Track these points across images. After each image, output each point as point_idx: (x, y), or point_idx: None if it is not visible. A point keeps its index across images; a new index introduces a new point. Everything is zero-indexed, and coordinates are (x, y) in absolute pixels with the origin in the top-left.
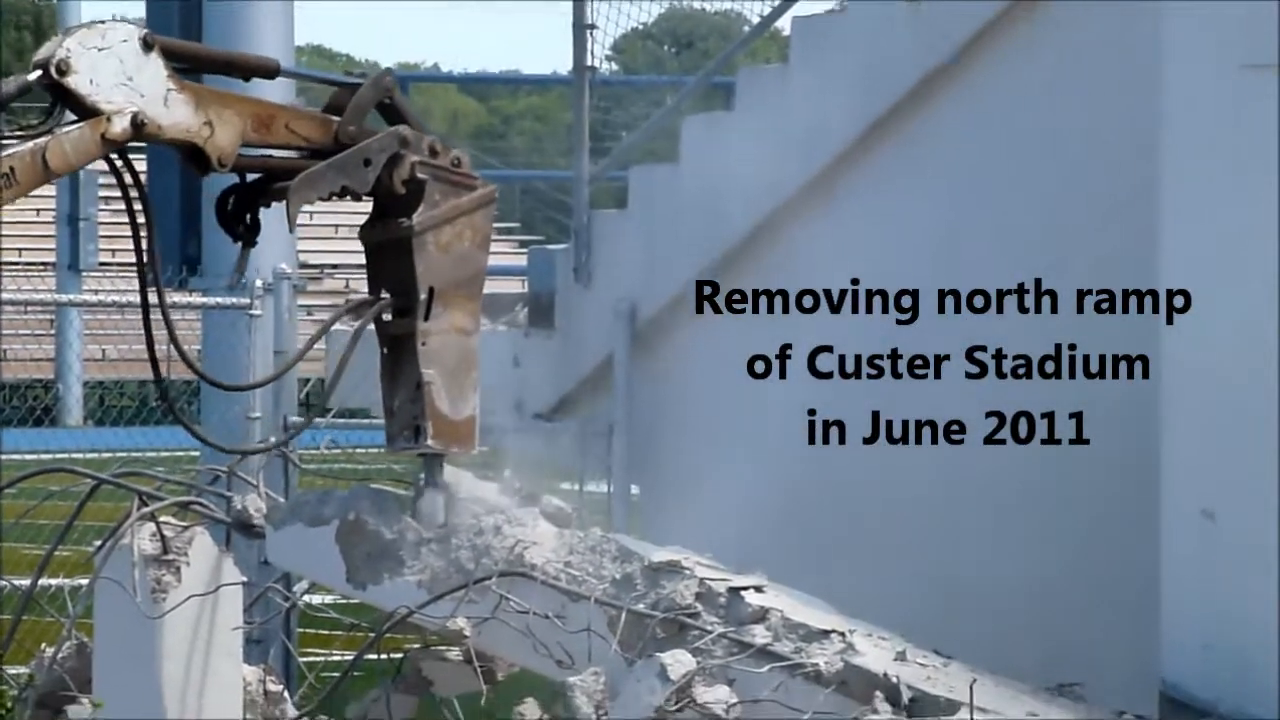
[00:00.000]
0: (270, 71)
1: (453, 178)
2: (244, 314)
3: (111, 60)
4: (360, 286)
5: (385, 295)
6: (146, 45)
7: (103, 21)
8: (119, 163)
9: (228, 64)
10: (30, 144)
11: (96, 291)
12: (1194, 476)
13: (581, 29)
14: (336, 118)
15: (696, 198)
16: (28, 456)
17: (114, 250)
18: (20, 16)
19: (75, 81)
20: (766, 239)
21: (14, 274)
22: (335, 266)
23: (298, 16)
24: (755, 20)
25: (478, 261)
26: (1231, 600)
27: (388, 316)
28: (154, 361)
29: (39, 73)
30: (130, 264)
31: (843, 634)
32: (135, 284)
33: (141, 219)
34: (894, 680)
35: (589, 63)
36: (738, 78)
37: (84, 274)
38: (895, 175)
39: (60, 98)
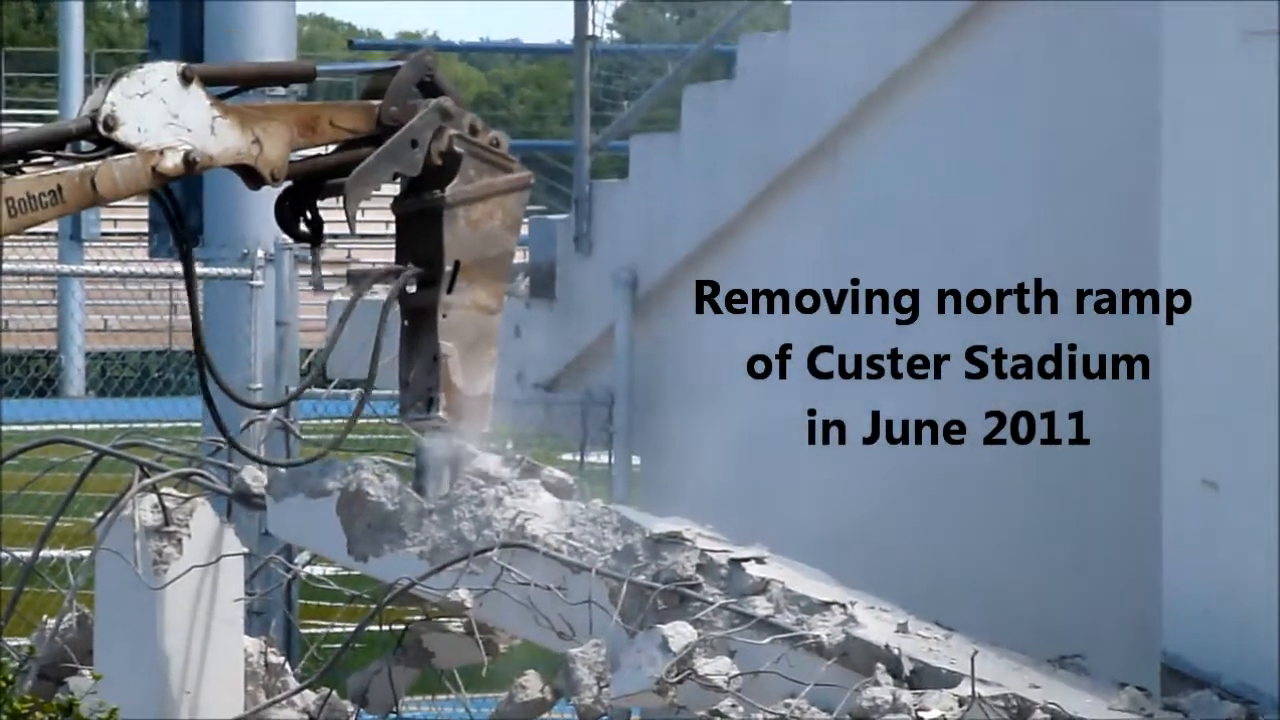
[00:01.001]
0: (308, 76)
1: (489, 156)
2: (245, 284)
3: (154, 103)
4: (362, 257)
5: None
6: (185, 79)
7: (140, 66)
8: (166, 200)
9: (265, 77)
10: (81, 165)
11: (99, 262)
12: (1195, 447)
13: None
14: (377, 102)
15: (697, 167)
16: (29, 427)
17: (116, 220)
18: None
19: (125, 133)
20: (766, 208)
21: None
22: (337, 237)
23: None
24: None
25: (506, 243)
26: (1232, 572)
27: (412, 288)
28: (198, 338)
29: (87, 124)
30: (131, 233)
31: (844, 606)
32: (136, 255)
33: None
34: (895, 652)
35: (590, 32)
36: (739, 46)
37: (86, 244)
38: (896, 143)
39: (110, 146)
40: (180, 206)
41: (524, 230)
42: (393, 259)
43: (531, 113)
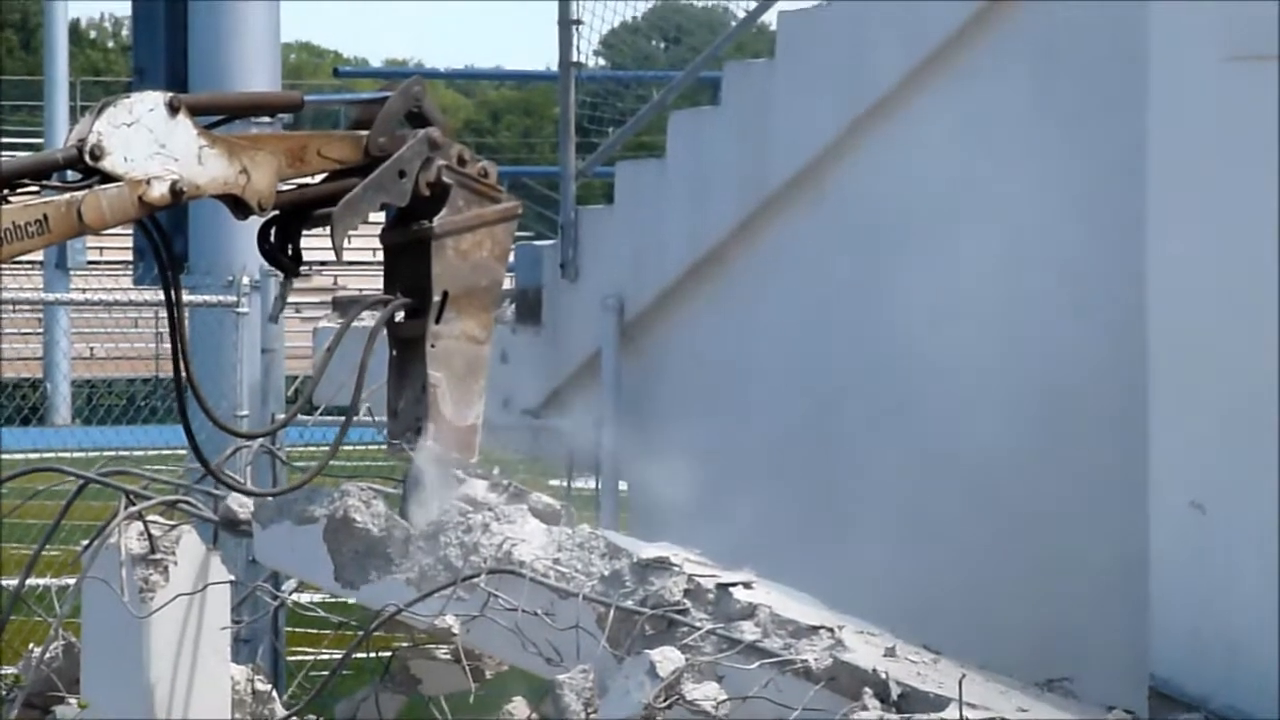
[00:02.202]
0: (295, 105)
1: (478, 187)
2: (231, 311)
3: (141, 133)
4: (348, 284)
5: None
6: (172, 109)
7: (127, 95)
8: (152, 229)
9: (254, 107)
10: (67, 195)
11: (84, 290)
12: (1183, 469)
13: (567, 25)
14: (365, 132)
15: (683, 193)
16: (15, 455)
17: (101, 248)
18: (6, 15)
19: (111, 163)
20: (753, 234)
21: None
22: (324, 263)
23: (284, 13)
24: (742, 15)
25: (495, 273)
26: (1221, 594)
27: (400, 318)
28: (180, 366)
29: (73, 153)
30: (117, 262)
31: (832, 630)
32: (122, 282)
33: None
34: (883, 676)
35: (575, 58)
36: (724, 72)
37: (71, 272)
38: (881, 169)
39: (97, 176)
40: (165, 234)
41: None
42: (379, 286)
43: (518, 139)
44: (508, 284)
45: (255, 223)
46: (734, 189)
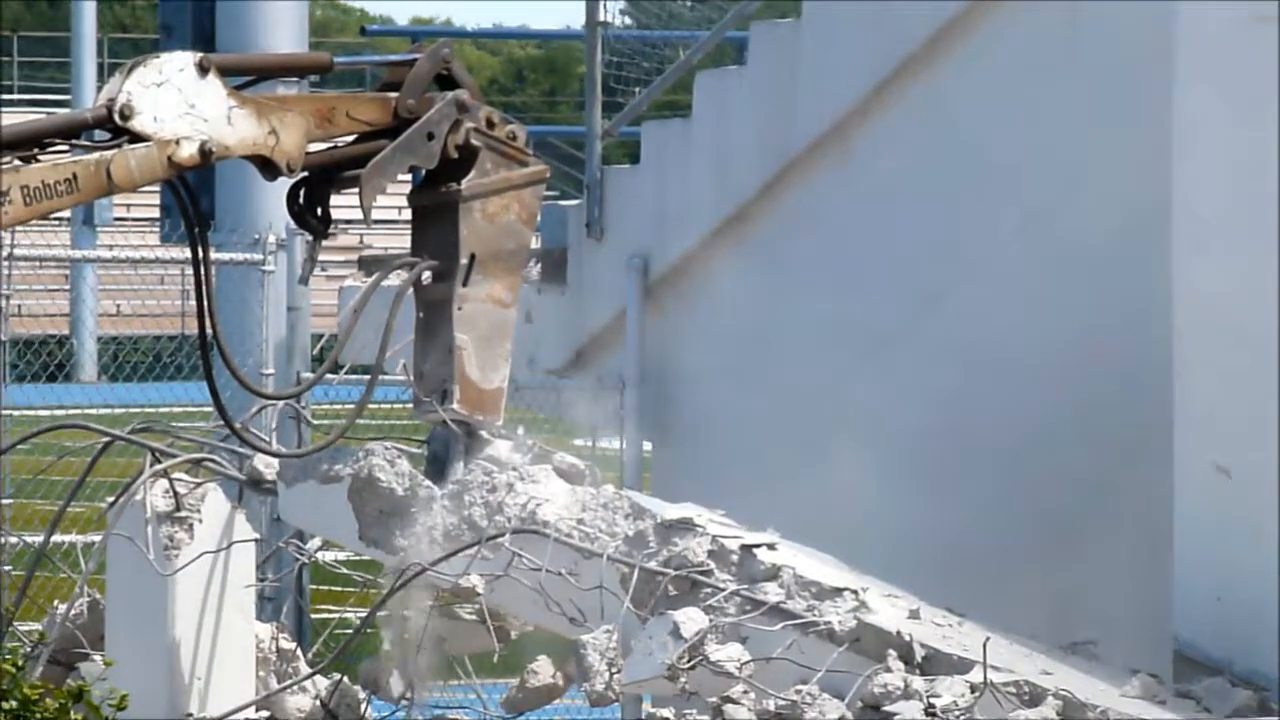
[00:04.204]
0: (324, 67)
1: (506, 150)
2: (257, 269)
3: (171, 93)
4: (374, 243)
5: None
6: (202, 69)
7: (156, 55)
8: (180, 188)
9: (282, 68)
10: (96, 155)
11: (111, 247)
12: (1207, 433)
13: None
14: (394, 94)
15: (709, 153)
16: (41, 412)
17: (129, 205)
18: None
19: (140, 123)
20: (778, 195)
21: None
22: (349, 222)
23: None
24: None
25: (522, 237)
26: (1244, 558)
27: (427, 279)
28: (210, 323)
29: (103, 113)
30: (144, 219)
31: (855, 592)
32: (149, 240)
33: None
34: (907, 638)
35: (601, 17)
36: (751, 32)
37: (99, 229)
38: (907, 130)
39: (126, 136)
40: (193, 192)
41: None
42: (405, 244)
43: (544, 98)
44: (534, 243)
45: (282, 181)
46: (759, 149)
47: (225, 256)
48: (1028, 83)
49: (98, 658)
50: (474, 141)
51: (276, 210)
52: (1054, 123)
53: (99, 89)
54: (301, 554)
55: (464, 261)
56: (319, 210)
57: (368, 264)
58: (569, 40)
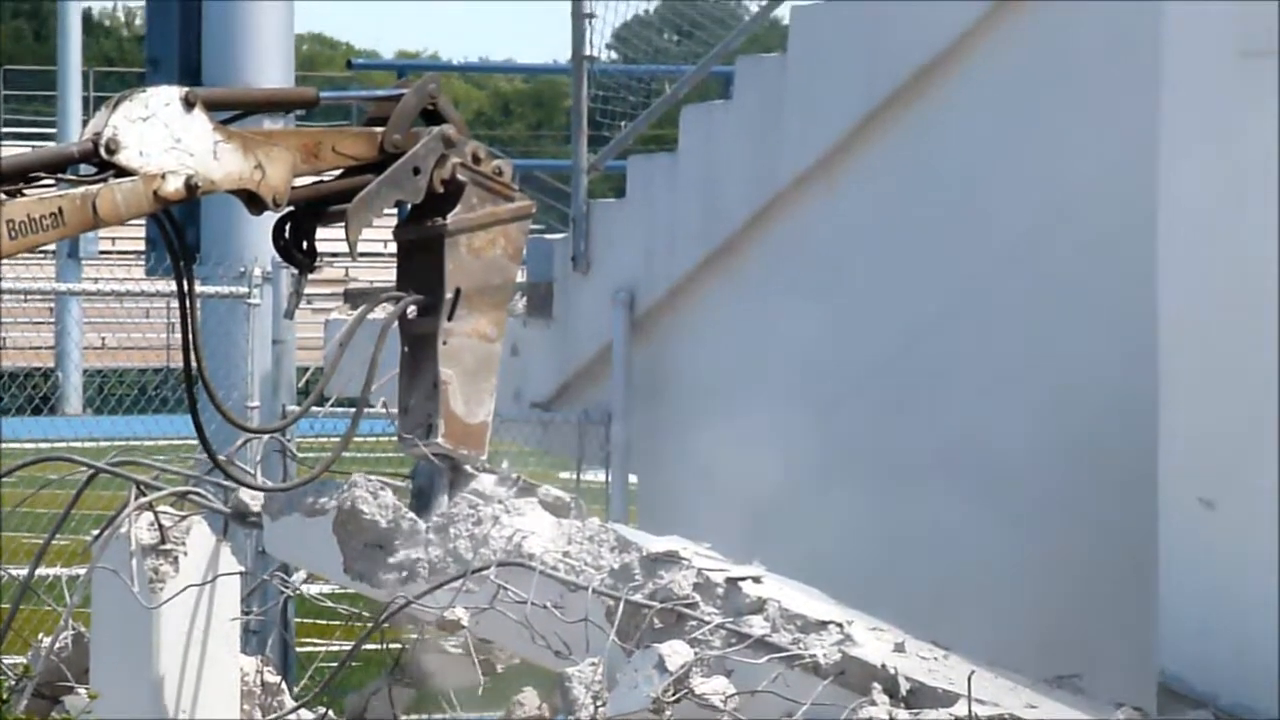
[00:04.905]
0: (311, 102)
1: (492, 185)
2: (242, 303)
3: (157, 127)
4: (360, 276)
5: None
6: (188, 104)
7: (143, 89)
8: (166, 222)
9: (268, 103)
10: (82, 189)
11: (96, 279)
12: (1192, 464)
13: (580, 18)
14: (380, 129)
15: (695, 187)
16: (26, 445)
17: (114, 239)
18: (20, 4)
19: (126, 157)
20: (764, 229)
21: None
22: (334, 255)
23: (297, 4)
24: (755, 10)
25: (508, 272)
26: (1230, 591)
27: (412, 314)
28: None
29: (89, 147)
30: (129, 251)
31: (841, 625)
32: (134, 272)
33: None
34: (892, 671)
35: (588, 51)
36: (736, 67)
37: (84, 262)
38: (893, 162)
39: (112, 170)
40: (178, 226)
41: None
42: (391, 277)
43: (530, 132)
44: (519, 276)
45: (268, 215)
46: (745, 183)
47: (211, 289)
48: (1013, 115)
49: (82, 691)
50: (460, 176)
51: (262, 243)
52: (1040, 155)
53: (85, 122)
54: (286, 587)
55: (449, 296)
56: (304, 245)
57: (353, 297)
58: (555, 74)
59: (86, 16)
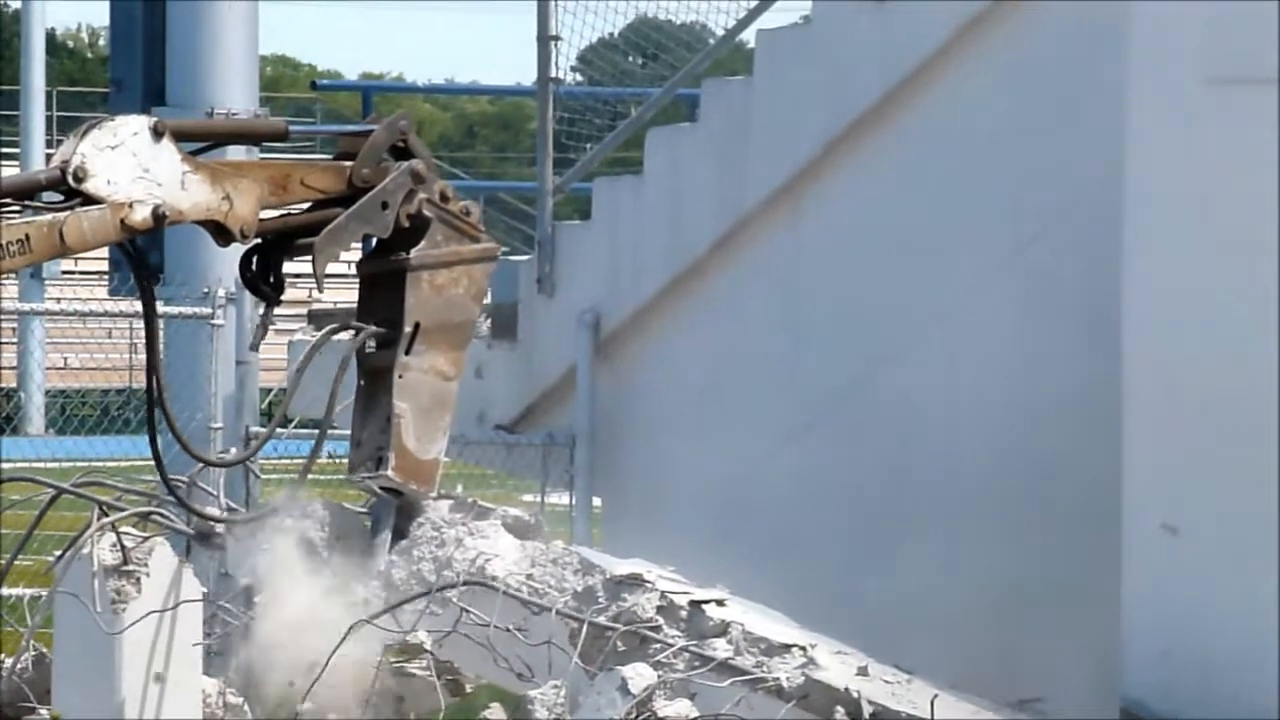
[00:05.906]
0: (280, 134)
1: (458, 224)
2: (206, 324)
3: (125, 156)
4: (324, 297)
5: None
6: (157, 134)
7: (111, 118)
8: (130, 247)
9: (238, 135)
10: (49, 216)
11: (59, 300)
12: (1156, 490)
13: (545, 40)
14: (349, 163)
15: (660, 209)
16: None
17: (77, 259)
18: None
19: (94, 185)
20: (730, 252)
21: None
22: (298, 276)
23: (261, 24)
24: (720, 33)
25: (469, 312)
26: (1192, 615)
27: (371, 347)
28: (154, 382)
29: (56, 175)
30: (92, 272)
31: (804, 648)
32: (97, 293)
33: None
34: (855, 695)
35: (553, 74)
36: (702, 90)
37: (46, 282)
38: (859, 187)
39: (79, 198)
40: (141, 246)
41: None
42: (354, 299)
43: (495, 154)
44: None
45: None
46: (711, 206)
47: (175, 310)
48: (978, 142)
49: (44, 711)
50: (426, 212)
51: (226, 265)
52: (1008, 180)
53: (48, 142)
54: (243, 614)
55: (408, 330)
56: (271, 277)
57: (318, 318)
58: (520, 96)
59: (50, 37)
